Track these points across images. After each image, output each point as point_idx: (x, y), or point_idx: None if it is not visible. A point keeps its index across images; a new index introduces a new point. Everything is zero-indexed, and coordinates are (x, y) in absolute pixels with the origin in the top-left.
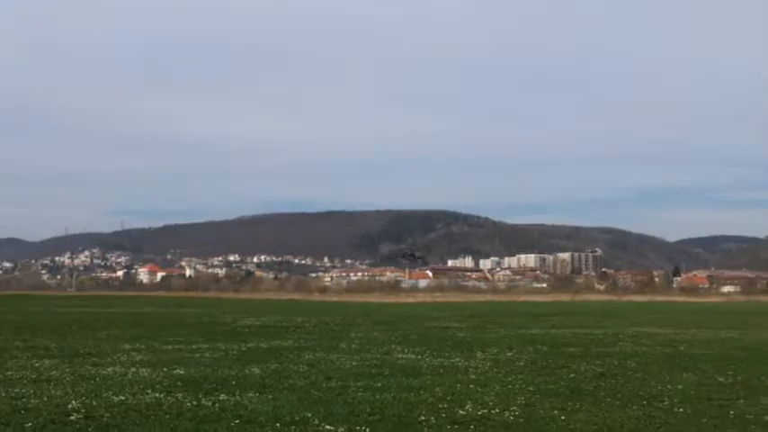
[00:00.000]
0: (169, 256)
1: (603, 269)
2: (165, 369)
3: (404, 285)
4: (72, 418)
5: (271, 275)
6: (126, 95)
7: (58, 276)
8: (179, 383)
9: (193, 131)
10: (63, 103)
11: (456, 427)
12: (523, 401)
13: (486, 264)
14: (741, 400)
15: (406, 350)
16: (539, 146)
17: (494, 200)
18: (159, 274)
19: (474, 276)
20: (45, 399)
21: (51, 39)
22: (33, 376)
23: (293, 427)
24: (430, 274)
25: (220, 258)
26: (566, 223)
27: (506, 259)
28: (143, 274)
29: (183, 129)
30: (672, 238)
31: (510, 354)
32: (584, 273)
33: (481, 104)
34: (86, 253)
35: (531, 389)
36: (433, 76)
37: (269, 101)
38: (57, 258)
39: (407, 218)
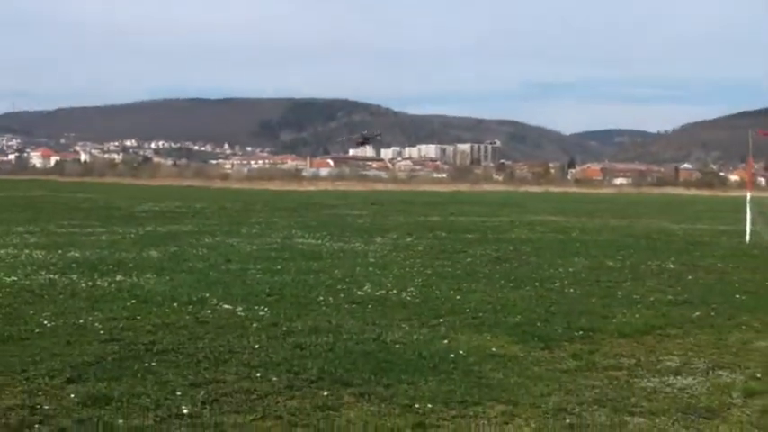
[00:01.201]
0: (63, 141)
1: (502, 161)
2: (59, 251)
3: (305, 174)
4: None
5: (169, 162)
6: None
7: None
8: (74, 265)
9: (87, 10)
10: None
11: (354, 306)
12: (420, 283)
13: (387, 154)
14: (628, 283)
15: (306, 235)
16: (440, 38)
17: (395, 90)
18: (53, 159)
19: (375, 166)
20: None
21: None
22: None
23: (190, 306)
24: (331, 162)
25: (117, 143)
26: (466, 115)
27: (407, 149)
28: (35, 159)
29: (77, 7)
30: (568, 131)
31: (409, 239)
32: (483, 164)
33: None
34: None
35: (428, 272)
36: None
37: None
38: None
39: (308, 105)
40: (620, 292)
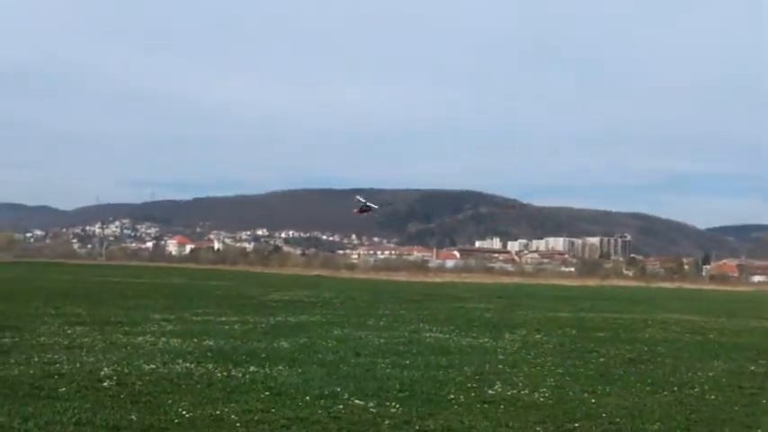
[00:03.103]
0: (198, 229)
1: (632, 255)
2: (195, 340)
3: (431, 265)
4: (105, 384)
5: (298, 251)
6: (159, 64)
7: (89, 246)
8: (209, 354)
9: (220, 100)
10: (100, 70)
11: (485, 406)
12: (553, 383)
13: (513, 246)
14: None
15: (433, 329)
16: (567, 128)
17: (522, 181)
18: (188, 247)
19: (501, 258)
20: (78, 365)
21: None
22: (65, 343)
23: (323, 400)
24: (457, 254)
25: (249, 233)
26: (594, 207)
27: (534, 242)
28: (172, 246)
29: (211, 100)
30: (702, 225)
31: (538, 336)
32: (612, 258)
33: (511, 83)
34: (117, 223)
35: (560, 371)
36: (461, 53)
37: (298, 74)
38: (87, 228)
39: (436, 197)
40: (764, 400)
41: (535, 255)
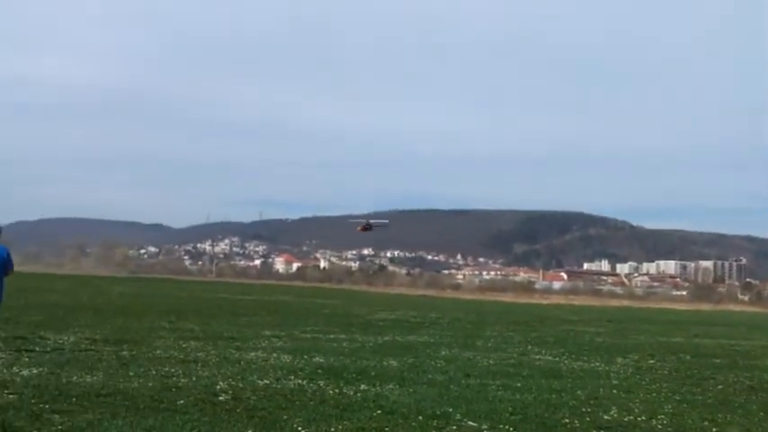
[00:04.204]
0: (305, 248)
1: (748, 279)
2: (305, 356)
3: (537, 286)
4: (221, 398)
5: (403, 271)
6: (264, 85)
7: (199, 263)
8: (320, 371)
9: (327, 122)
10: (203, 93)
11: (602, 431)
12: (671, 410)
13: (623, 268)
14: None
15: (543, 351)
16: (680, 149)
17: (632, 203)
18: (295, 265)
19: (610, 281)
20: (194, 379)
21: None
22: (181, 357)
23: (435, 421)
24: (564, 276)
25: (354, 252)
26: (708, 230)
27: (644, 265)
28: (279, 264)
29: (317, 119)
30: None
31: (652, 361)
32: (726, 282)
33: (618, 104)
34: (226, 241)
35: (677, 398)
36: (564, 75)
37: (403, 98)
38: (198, 245)
39: (542, 218)
40: None
41: (645, 278)
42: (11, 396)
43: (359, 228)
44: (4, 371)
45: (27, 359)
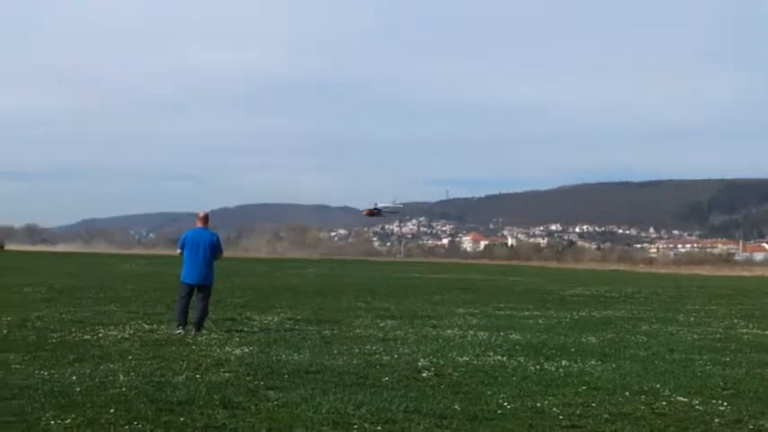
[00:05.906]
0: (491, 226)
1: None
2: (501, 333)
3: (737, 258)
4: (424, 375)
5: (593, 246)
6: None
7: (388, 243)
8: (518, 347)
9: (511, 99)
10: (401, 80)
11: None
12: None
13: None
14: None
15: (750, 325)
16: None
17: None
18: (482, 243)
19: None
20: (395, 356)
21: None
22: (380, 335)
23: (642, 396)
24: (767, 246)
25: (542, 228)
26: None
27: None
28: (466, 243)
29: (501, 96)
30: None
31: None
32: None
33: None
34: (414, 221)
35: None
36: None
37: (587, 65)
38: (386, 226)
39: (741, 186)
40: None
41: None
42: (227, 374)
43: (365, 212)
44: (218, 350)
45: (238, 339)
